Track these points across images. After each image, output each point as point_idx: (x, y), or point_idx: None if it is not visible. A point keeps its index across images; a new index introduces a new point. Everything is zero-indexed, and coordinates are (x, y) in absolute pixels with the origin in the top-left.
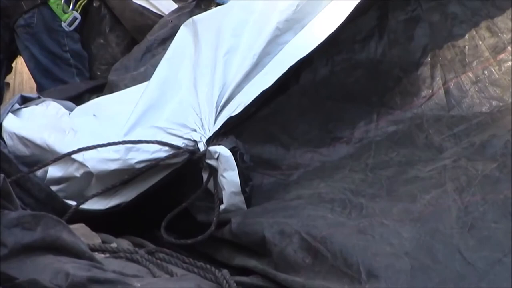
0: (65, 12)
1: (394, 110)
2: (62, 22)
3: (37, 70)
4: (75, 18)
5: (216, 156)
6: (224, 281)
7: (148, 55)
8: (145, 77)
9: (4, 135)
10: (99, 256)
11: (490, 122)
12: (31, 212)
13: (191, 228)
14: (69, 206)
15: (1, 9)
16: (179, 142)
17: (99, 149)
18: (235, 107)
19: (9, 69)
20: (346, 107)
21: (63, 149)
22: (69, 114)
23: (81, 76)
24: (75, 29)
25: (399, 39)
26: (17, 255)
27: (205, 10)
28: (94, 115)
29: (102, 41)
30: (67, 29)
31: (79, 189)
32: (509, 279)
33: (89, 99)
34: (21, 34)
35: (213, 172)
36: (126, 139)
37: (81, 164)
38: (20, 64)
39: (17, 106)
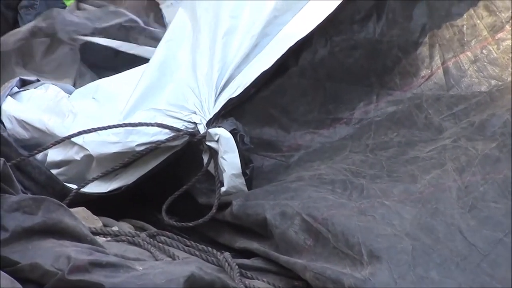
0: None
1: (394, 90)
2: (66, 7)
3: None
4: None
5: (216, 138)
6: (226, 264)
7: None
8: None
9: (4, 119)
10: (100, 239)
11: (489, 101)
12: (32, 196)
13: (192, 211)
14: (70, 189)
15: None
16: (179, 125)
17: (99, 132)
18: (235, 89)
19: None
20: (346, 88)
21: (63, 132)
22: (68, 97)
23: None
24: None
25: (398, 19)
26: (18, 239)
27: None
28: (94, 98)
29: None
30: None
31: (79, 173)
32: (510, 258)
33: None
34: (25, 15)
35: (214, 154)
36: (126, 121)
37: (81, 147)
38: None
39: (16, 89)
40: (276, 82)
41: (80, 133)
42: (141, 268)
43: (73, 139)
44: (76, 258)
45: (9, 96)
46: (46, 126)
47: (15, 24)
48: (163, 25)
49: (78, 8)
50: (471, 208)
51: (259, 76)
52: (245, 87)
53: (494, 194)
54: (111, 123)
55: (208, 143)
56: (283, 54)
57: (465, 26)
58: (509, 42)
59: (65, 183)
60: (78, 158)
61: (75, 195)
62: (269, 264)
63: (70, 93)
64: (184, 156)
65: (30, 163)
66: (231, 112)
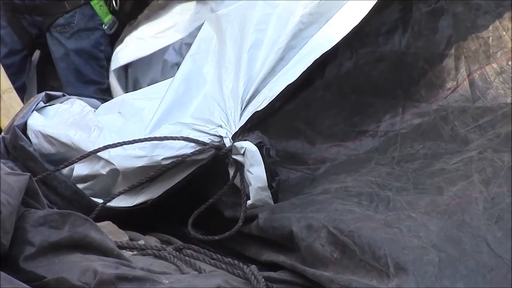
0: (107, 14)
1: (419, 102)
2: (103, 25)
3: (69, 70)
4: (114, 21)
5: (242, 152)
6: (253, 277)
7: None
8: None
9: (29, 133)
10: (126, 253)
11: None
12: (58, 210)
13: (218, 224)
14: (96, 203)
15: (36, 7)
16: (205, 138)
17: (125, 146)
18: (260, 102)
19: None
20: (371, 101)
21: (88, 146)
22: (94, 111)
23: None
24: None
25: (423, 31)
26: (44, 253)
27: None
28: (119, 112)
29: None
30: (107, 32)
31: (105, 187)
32: None
33: None
34: (58, 33)
35: (240, 167)
36: (152, 135)
37: (107, 162)
38: None
39: (41, 104)
40: (302, 95)
41: (106, 147)
42: (167, 282)
43: (99, 154)
44: (103, 272)
45: (35, 111)
46: (72, 141)
47: (36, 41)
48: None
49: None
50: (497, 219)
51: (284, 89)
52: (270, 100)
53: None
54: (136, 138)
55: (234, 156)
56: (309, 67)
57: (490, 37)
58: None
59: (91, 198)
60: (104, 173)
61: (101, 209)
62: (295, 277)
63: (96, 107)
64: (210, 169)
65: (56, 178)
66: (257, 125)
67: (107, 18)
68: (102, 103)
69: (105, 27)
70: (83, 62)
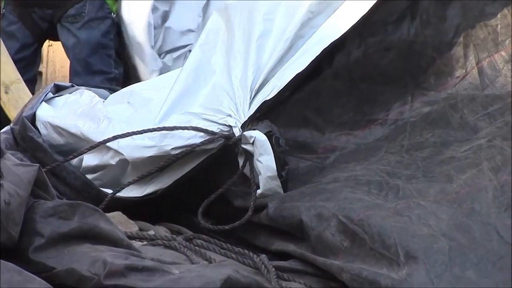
0: (114, 2)
1: (428, 90)
2: (112, 13)
3: (77, 60)
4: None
5: (251, 141)
6: (263, 266)
7: None
8: None
9: (38, 124)
10: (136, 244)
11: None
12: (67, 201)
13: (228, 214)
14: (105, 194)
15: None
16: (214, 128)
17: (134, 136)
18: (269, 91)
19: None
20: (380, 89)
21: (98, 137)
22: (103, 102)
23: (118, 68)
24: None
25: (431, 20)
26: (54, 244)
27: None
28: (128, 102)
29: None
30: (116, 20)
31: (115, 177)
32: None
33: None
34: (69, 24)
35: (249, 157)
36: (161, 125)
37: (116, 152)
38: (52, 53)
39: (50, 95)
40: (311, 84)
41: (115, 137)
42: (177, 272)
43: (108, 144)
44: (112, 262)
45: (43, 102)
46: (81, 131)
47: (46, 33)
48: None
49: None
50: (507, 207)
51: (293, 79)
52: (279, 89)
53: None
54: (146, 127)
55: (243, 146)
56: (317, 56)
57: (499, 25)
58: None
59: (100, 188)
60: (113, 163)
61: (110, 200)
62: (305, 266)
63: (104, 98)
64: (219, 159)
65: (65, 169)
66: (266, 114)
67: (115, 7)
68: (111, 94)
69: (114, 15)
70: (92, 51)
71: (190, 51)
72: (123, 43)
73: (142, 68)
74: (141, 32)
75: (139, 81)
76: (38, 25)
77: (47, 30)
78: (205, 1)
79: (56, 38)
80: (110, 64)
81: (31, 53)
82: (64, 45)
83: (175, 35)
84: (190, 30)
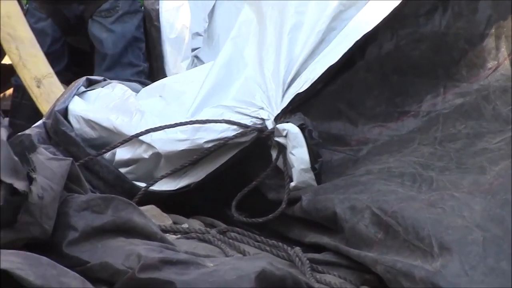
0: None
1: (461, 82)
2: (142, 7)
3: (110, 53)
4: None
5: (284, 134)
6: (297, 259)
7: None
8: None
9: (71, 118)
10: (170, 237)
11: None
12: (101, 195)
13: (262, 207)
14: (139, 187)
15: None
16: (247, 121)
17: (166, 130)
18: (302, 84)
19: None
20: (413, 81)
21: (130, 131)
22: (136, 95)
23: (146, 62)
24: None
25: (463, 11)
26: (87, 238)
27: None
28: (161, 96)
29: None
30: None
31: (148, 171)
32: None
33: None
34: (102, 18)
35: (282, 149)
36: (193, 119)
37: (149, 146)
38: None
39: (82, 88)
40: (343, 77)
41: (147, 131)
42: (211, 265)
43: (141, 138)
44: (147, 256)
45: (76, 96)
46: (113, 125)
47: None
48: None
49: None
50: None
51: (325, 71)
52: (312, 82)
53: None
54: (178, 121)
55: (276, 138)
56: (349, 49)
57: None
58: None
59: (133, 182)
60: (146, 157)
61: (144, 193)
62: (339, 258)
63: (137, 91)
64: (252, 152)
65: (98, 162)
66: (299, 107)
67: (143, 0)
68: (142, 87)
69: (144, 9)
70: (126, 45)
71: (196, 56)
72: (152, 36)
73: (174, 62)
74: (180, 27)
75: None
76: (68, 20)
77: (74, 25)
78: (211, 7)
79: (80, 34)
80: (140, 57)
81: (60, 46)
82: (94, 40)
83: None
84: (198, 34)
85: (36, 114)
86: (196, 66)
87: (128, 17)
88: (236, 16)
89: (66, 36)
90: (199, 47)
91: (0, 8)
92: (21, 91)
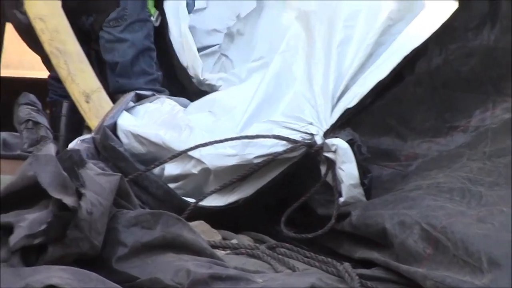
0: (152, 6)
1: (510, 97)
2: (151, 17)
3: (122, 62)
4: (159, 15)
5: (333, 149)
6: (347, 274)
7: None
8: None
9: (120, 134)
10: (220, 253)
11: None
12: (150, 210)
13: (311, 222)
14: (188, 203)
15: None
16: (296, 136)
17: (216, 145)
18: (351, 99)
19: None
20: (462, 96)
21: (179, 146)
22: (184, 110)
23: (159, 70)
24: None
25: None
26: (137, 254)
27: None
28: (210, 111)
29: None
30: (154, 24)
31: (197, 186)
32: None
33: None
34: (111, 28)
35: (331, 165)
36: (243, 134)
37: (199, 161)
38: None
39: (131, 104)
40: (392, 91)
41: (197, 146)
42: (261, 281)
43: (190, 153)
44: (196, 272)
45: (124, 111)
46: (162, 140)
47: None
48: None
49: None
50: None
51: (375, 86)
52: (361, 97)
53: None
54: (227, 136)
55: (325, 153)
56: (399, 64)
57: None
58: None
59: (182, 197)
60: (196, 172)
61: (193, 209)
62: (389, 274)
63: (185, 106)
64: (301, 167)
65: (147, 178)
66: (348, 122)
67: (153, 10)
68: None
69: (153, 18)
70: (136, 53)
71: (224, 55)
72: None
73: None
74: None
75: (185, 81)
76: (83, 32)
77: (90, 36)
78: (245, 8)
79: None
80: (152, 66)
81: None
82: (104, 49)
83: (201, 34)
84: (216, 30)
85: (78, 126)
86: (223, 64)
87: (137, 26)
88: (280, 25)
89: (88, 46)
90: (216, 44)
91: (48, 23)
92: (59, 105)
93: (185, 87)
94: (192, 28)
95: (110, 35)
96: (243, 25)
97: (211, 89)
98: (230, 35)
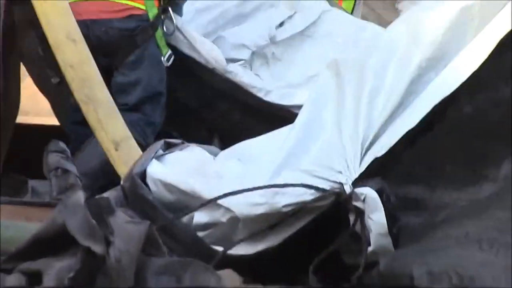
0: (164, 46)
1: None
2: (163, 57)
3: (129, 100)
4: (171, 54)
5: (362, 198)
6: None
7: None
8: None
9: (149, 182)
10: None
11: None
12: (178, 258)
13: (338, 272)
14: (216, 251)
15: (104, 47)
16: (325, 185)
17: (244, 193)
18: (380, 148)
19: None
20: (491, 145)
21: (209, 194)
22: (214, 159)
23: (161, 117)
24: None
25: None
26: None
27: None
28: (239, 159)
29: None
30: (165, 64)
31: (225, 234)
32: None
33: None
34: (128, 70)
35: (360, 214)
36: (272, 182)
37: (227, 209)
38: None
39: (161, 152)
40: (422, 140)
41: (226, 195)
42: None
43: (219, 201)
44: None
45: (154, 159)
46: (192, 189)
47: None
48: None
49: None
50: None
51: (404, 135)
52: (390, 146)
53: None
54: (257, 185)
55: (354, 203)
56: (428, 113)
57: None
58: None
59: (211, 245)
60: (224, 220)
61: (221, 257)
62: None
63: (215, 154)
64: (330, 216)
65: (176, 226)
66: (377, 171)
67: (165, 50)
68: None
69: (164, 59)
70: (146, 96)
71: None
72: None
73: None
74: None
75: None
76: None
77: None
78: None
79: None
80: (156, 111)
81: None
82: (117, 88)
83: (226, 46)
84: (244, 45)
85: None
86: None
87: (153, 70)
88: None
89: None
90: (242, 59)
91: (78, 70)
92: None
93: (205, 87)
94: (220, 38)
95: (124, 77)
96: (281, 51)
97: (235, 76)
98: (263, 56)
